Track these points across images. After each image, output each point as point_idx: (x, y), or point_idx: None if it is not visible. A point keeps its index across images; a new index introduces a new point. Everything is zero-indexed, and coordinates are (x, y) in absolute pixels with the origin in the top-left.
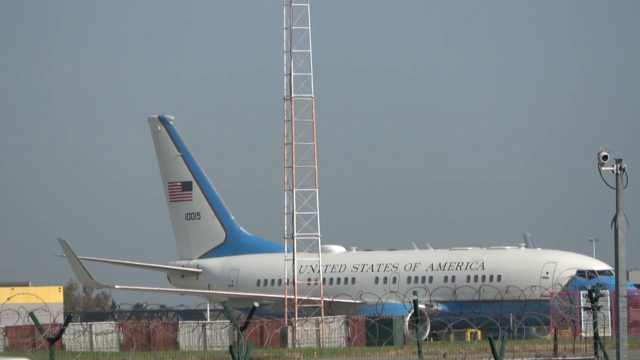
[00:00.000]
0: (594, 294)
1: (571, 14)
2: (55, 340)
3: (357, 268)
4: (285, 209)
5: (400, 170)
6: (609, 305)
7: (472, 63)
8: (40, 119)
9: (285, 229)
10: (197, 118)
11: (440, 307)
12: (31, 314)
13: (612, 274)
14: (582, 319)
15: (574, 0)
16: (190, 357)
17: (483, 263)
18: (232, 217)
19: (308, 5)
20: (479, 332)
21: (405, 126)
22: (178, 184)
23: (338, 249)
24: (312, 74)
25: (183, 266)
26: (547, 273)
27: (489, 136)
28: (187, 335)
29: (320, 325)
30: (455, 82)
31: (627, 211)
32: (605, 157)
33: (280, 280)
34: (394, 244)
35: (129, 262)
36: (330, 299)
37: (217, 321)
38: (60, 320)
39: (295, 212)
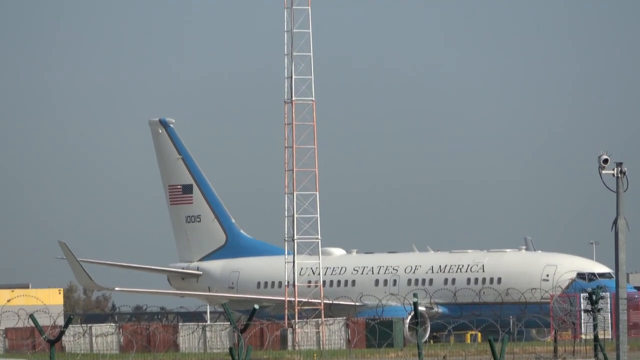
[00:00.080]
0: (594, 297)
1: (572, 14)
2: (55, 342)
3: (357, 270)
4: (286, 211)
5: (401, 172)
6: (609, 307)
7: (472, 64)
8: (41, 121)
9: (286, 232)
10: (198, 121)
11: (440, 310)
12: (31, 316)
13: (612, 277)
14: (582, 321)
15: (575, 1)
16: (190, 359)
17: (483, 265)
18: (233, 220)
19: (309, 8)
20: (479, 334)
21: (405, 129)
22: (178, 186)
23: (338, 252)
24: (313, 77)
25: (183, 268)
26: (548, 275)
27: (489, 138)
28: (187, 337)
29: (321, 328)
30: (456, 84)
31: (627, 214)
32: (605, 161)
33: (280, 283)
34: (394, 246)
35: (129, 264)
36: (331, 301)
37: (217, 323)
38: (61, 322)
39: (295, 215)
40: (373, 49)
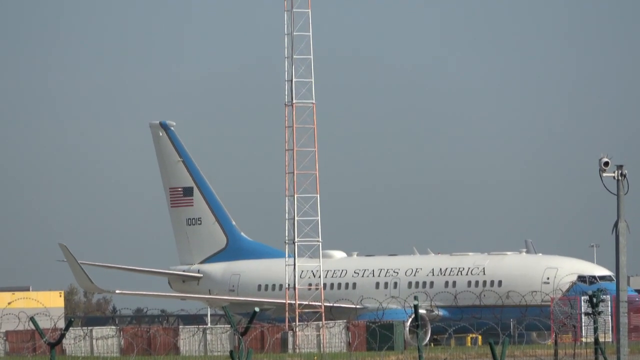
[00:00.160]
0: (594, 299)
1: (572, 14)
2: (55, 345)
3: (358, 273)
4: (287, 214)
5: (402, 175)
6: (609, 310)
7: (472, 65)
8: (42, 122)
9: (286, 234)
10: (198, 123)
11: (441, 312)
12: (32, 319)
13: (612, 280)
14: (583, 324)
15: (575, 1)
16: None
17: (484, 268)
18: (233, 223)
19: (309, 10)
20: (480, 337)
21: (406, 131)
22: (179, 189)
23: (339, 254)
24: (313, 80)
25: (184, 271)
26: (548, 278)
27: (489, 140)
28: (188, 340)
29: (321, 330)
30: (456, 84)
31: (628, 217)
32: (606, 164)
33: (281, 286)
34: (394, 249)
35: (129, 267)
36: (331, 304)
37: (218, 326)
38: (61, 325)
39: (296, 218)
40: (373, 51)
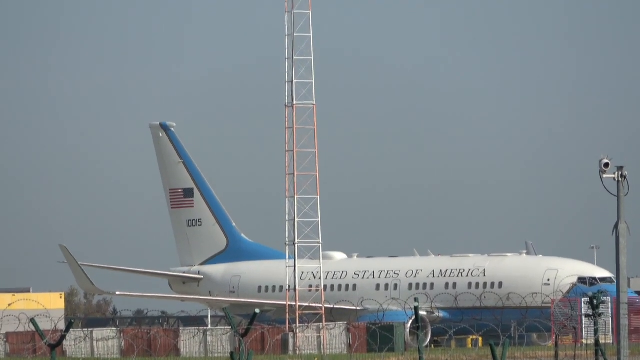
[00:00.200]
0: (595, 301)
1: (573, 15)
2: (56, 346)
3: (358, 275)
4: (287, 215)
5: (402, 176)
6: (610, 312)
7: (472, 65)
8: (42, 123)
9: (287, 236)
10: (199, 124)
11: (441, 314)
12: (32, 320)
13: (613, 281)
14: (583, 325)
15: (575, 1)
16: None
17: (484, 270)
18: (234, 224)
19: (309, 12)
20: (480, 338)
21: (407, 133)
22: (179, 190)
23: (339, 256)
24: (313, 81)
25: (184, 272)
26: (549, 280)
27: (490, 142)
28: (188, 341)
29: (322, 332)
30: (457, 86)
31: (628, 218)
32: (606, 165)
33: (281, 287)
34: (395, 250)
35: (130, 268)
36: (332, 306)
37: (218, 327)
38: (62, 326)
39: (296, 219)
40: (374, 52)
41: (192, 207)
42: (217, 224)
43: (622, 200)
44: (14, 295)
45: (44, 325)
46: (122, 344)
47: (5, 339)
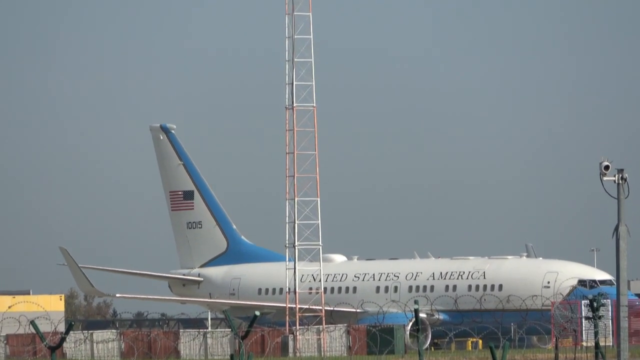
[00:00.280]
0: (595, 304)
1: (574, 16)
2: (56, 348)
3: (359, 277)
4: (287, 217)
5: (402, 179)
6: (610, 314)
7: (472, 69)
8: (42, 125)
9: (287, 238)
10: (199, 127)
11: (441, 316)
12: (32, 322)
13: (613, 284)
14: (584, 328)
15: (576, 2)
16: None
17: (484, 272)
18: (234, 226)
19: (310, 14)
20: (480, 341)
21: (407, 136)
22: (179, 192)
23: (339, 258)
24: (314, 83)
25: (184, 275)
26: (549, 282)
27: (491, 145)
28: (188, 343)
29: (322, 334)
30: (458, 89)
31: (628, 221)
32: (607, 167)
33: (281, 289)
34: (395, 253)
35: (130, 270)
36: (332, 308)
37: (218, 330)
38: (62, 328)
39: (296, 221)
40: (374, 54)
41: (192, 209)
42: (217, 226)
43: (622, 202)
44: (14, 297)
45: (44, 327)
46: (122, 346)
47: (5, 341)
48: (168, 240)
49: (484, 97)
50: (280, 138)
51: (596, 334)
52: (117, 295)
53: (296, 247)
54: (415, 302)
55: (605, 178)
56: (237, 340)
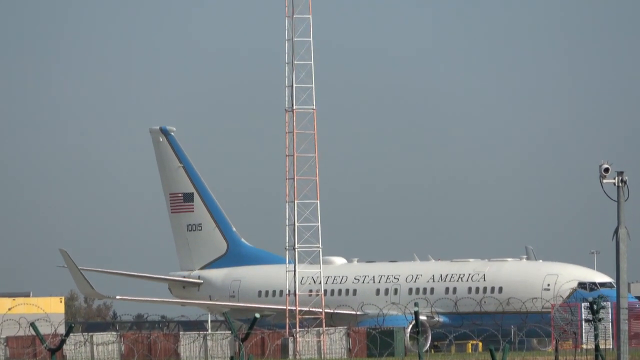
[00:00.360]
0: (595, 306)
1: (576, 17)
2: (56, 350)
3: (358, 279)
4: (287, 220)
5: (402, 181)
6: (610, 317)
7: (472, 70)
8: (42, 127)
9: (287, 240)
10: (199, 129)
11: (441, 319)
12: (32, 325)
13: (613, 286)
14: (584, 330)
15: (577, 2)
16: None
17: (484, 275)
18: (234, 228)
19: (310, 16)
20: (480, 343)
21: (407, 138)
22: (179, 195)
23: (339, 261)
24: (314, 86)
25: (184, 277)
26: (549, 285)
27: (491, 148)
28: (188, 346)
29: (322, 337)
30: (458, 91)
31: (628, 223)
32: (606, 170)
33: (281, 292)
34: (395, 255)
35: (130, 272)
36: (332, 310)
37: (218, 332)
38: (62, 330)
39: (296, 224)
40: (374, 56)
41: (192, 211)
42: (217, 229)
43: (622, 205)
44: (14, 299)
45: (44, 329)
46: (122, 349)
47: (5, 343)
48: (168, 243)
49: (484, 98)
50: (280, 140)
51: (596, 336)
52: (117, 297)
53: (296, 250)
54: (415, 304)
55: (605, 180)
56: (237, 343)
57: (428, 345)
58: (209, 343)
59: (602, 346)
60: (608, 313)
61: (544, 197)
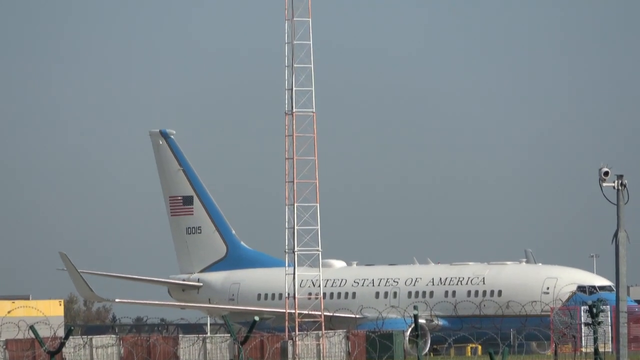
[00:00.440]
0: (594, 310)
1: (577, 17)
2: (55, 353)
3: (358, 283)
4: (286, 223)
5: (402, 184)
6: (609, 320)
7: (473, 73)
8: (42, 131)
9: (286, 243)
10: (199, 132)
11: (440, 322)
12: (32, 327)
13: (612, 290)
14: (583, 334)
15: (577, 3)
16: None
17: (484, 278)
18: (233, 232)
19: (309, 20)
20: (480, 347)
21: (407, 141)
22: (179, 198)
23: (339, 264)
24: (313, 89)
25: (184, 280)
26: (548, 288)
27: (490, 151)
28: (188, 349)
29: (321, 340)
30: (460, 95)
31: (628, 227)
32: (606, 173)
33: (280, 295)
34: (394, 258)
35: (129, 275)
36: (331, 314)
37: (218, 335)
38: (61, 333)
39: (296, 227)
40: (374, 59)
41: (192, 214)
42: (217, 232)
43: (621, 208)
44: (13, 302)
45: (43, 332)
46: (122, 352)
47: (4, 346)
48: (167, 246)
49: (484, 99)
50: (280, 143)
51: (595, 340)
52: (117, 300)
53: (295, 253)
54: (415, 307)
55: (604, 184)
56: (236, 346)
57: (427, 348)
58: (209, 346)
59: (601, 349)
60: (607, 316)
61: (543, 201)
